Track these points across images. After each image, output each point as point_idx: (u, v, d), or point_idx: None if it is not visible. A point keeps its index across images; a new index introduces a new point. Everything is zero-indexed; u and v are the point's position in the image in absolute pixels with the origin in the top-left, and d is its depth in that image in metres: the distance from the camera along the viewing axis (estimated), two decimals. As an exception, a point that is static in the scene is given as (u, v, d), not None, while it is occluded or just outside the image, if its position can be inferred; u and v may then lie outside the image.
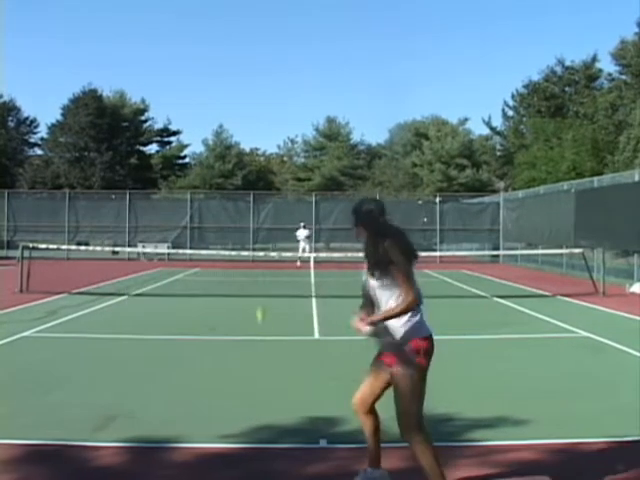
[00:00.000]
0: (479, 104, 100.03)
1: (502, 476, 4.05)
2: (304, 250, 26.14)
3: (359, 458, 4.09)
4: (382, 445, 3.83)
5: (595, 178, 21.85)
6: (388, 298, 3.50)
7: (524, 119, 47.48)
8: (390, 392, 3.58)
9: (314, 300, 13.43)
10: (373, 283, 3.56)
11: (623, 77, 40.28)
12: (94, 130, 48.48)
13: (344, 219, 29.30)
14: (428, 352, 3.50)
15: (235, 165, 55.00)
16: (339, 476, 4.08)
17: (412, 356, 3.43)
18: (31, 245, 15.75)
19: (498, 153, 52.45)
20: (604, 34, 75.47)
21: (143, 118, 56.49)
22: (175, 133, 58.45)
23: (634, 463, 4.31)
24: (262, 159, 65.85)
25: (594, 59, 45.07)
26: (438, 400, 5.79)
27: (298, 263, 24.83)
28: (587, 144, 34.26)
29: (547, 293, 15.25)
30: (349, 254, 24.86)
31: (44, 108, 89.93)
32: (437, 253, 27.06)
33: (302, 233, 27.07)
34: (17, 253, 16.26)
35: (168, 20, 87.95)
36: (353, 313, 3.68)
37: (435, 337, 3.55)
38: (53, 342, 8.70)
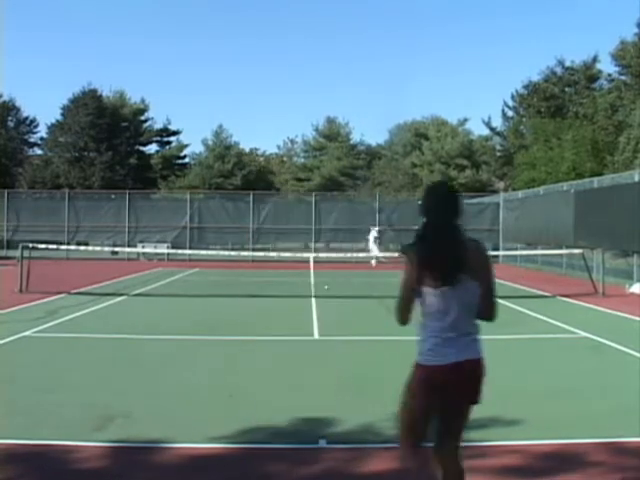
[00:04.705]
0: (479, 104, 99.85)
1: (504, 476, 4.05)
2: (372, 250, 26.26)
3: (358, 458, 4.10)
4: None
5: (595, 179, 21.84)
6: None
7: (524, 119, 47.46)
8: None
9: (314, 300, 13.42)
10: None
11: (623, 78, 40.29)
12: (94, 130, 48.44)
13: (344, 219, 29.29)
14: (421, 379, 3.05)
15: (235, 165, 54.97)
16: (339, 476, 4.08)
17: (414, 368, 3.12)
18: (31, 245, 15.74)
19: (498, 153, 52.39)
20: (604, 34, 75.30)
21: (143, 118, 56.40)
22: (175, 133, 58.38)
23: (633, 463, 4.31)
24: (262, 159, 65.81)
25: (594, 60, 45.08)
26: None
27: (373, 263, 25.00)
28: (587, 144, 34.24)
29: (547, 293, 15.25)
30: (349, 254, 24.95)
31: (44, 108, 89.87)
32: (437, 253, 27.02)
33: (372, 234, 26.85)
34: (17, 253, 16.24)
35: (168, 20, 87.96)
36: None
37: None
38: (53, 342, 8.70)
